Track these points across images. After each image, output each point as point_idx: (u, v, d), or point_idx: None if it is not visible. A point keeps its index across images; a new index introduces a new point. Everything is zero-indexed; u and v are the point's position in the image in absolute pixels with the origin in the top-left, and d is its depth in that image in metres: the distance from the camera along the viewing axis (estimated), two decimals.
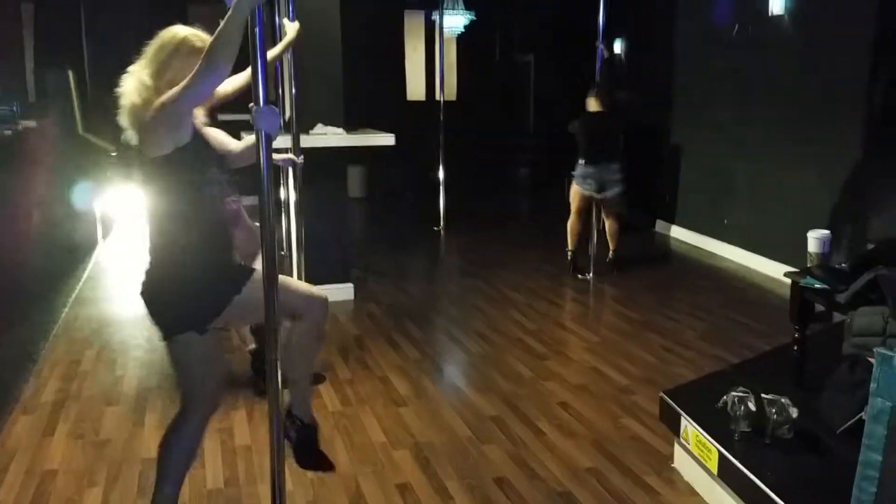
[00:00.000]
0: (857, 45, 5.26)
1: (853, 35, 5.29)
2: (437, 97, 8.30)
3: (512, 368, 4.33)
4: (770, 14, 6.10)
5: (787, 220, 6.05)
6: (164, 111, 2.30)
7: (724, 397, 2.84)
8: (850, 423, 2.74)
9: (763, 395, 2.79)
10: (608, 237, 6.29)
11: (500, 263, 6.65)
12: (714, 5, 6.91)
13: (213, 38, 2.19)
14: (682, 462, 3.19)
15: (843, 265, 3.18)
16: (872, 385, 1.90)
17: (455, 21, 8.75)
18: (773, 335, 4.77)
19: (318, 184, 5.50)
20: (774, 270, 6.13)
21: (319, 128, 5.57)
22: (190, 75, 2.23)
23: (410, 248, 7.62)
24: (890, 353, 1.86)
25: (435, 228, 8.08)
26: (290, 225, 5.78)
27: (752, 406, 2.81)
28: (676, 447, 3.23)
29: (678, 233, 7.61)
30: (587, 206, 6.17)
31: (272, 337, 2.49)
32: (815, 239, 3.21)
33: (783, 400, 2.75)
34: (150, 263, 2.49)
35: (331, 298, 5.76)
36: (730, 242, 6.80)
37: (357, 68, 7.38)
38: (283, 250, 7.07)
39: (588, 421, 3.68)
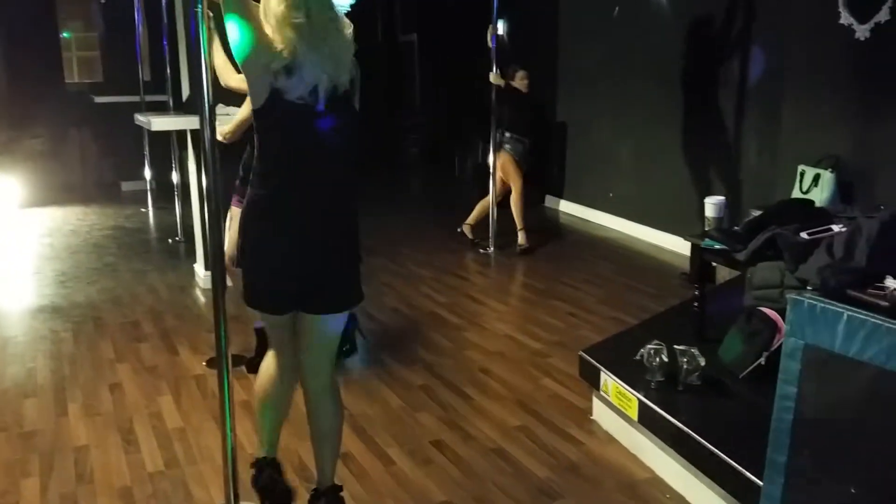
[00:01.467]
0: (732, 25, 5.69)
1: (729, 15, 5.71)
2: None
3: (431, 340, 4.50)
4: None
5: (667, 192, 6.49)
6: None
7: (641, 350, 3.12)
8: (750, 368, 3.07)
9: (675, 347, 3.08)
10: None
11: (403, 242, 6.79)
12: None
13: None
14: (600, 414, 3.46)
15: (736, 227, 3.52)
16: (786, 327, 2.17)
17: (341, 1, 8.75)
18: (662, 296, 5.16)
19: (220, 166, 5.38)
20: (657, 238, 6.59)
21: (221, 108, 5.51)
22: None
23: None
24: (800, 298, 2.14)
25: None
26: (190, 210, 5.67)
27: (665, 357, 3.10)
28: (595, 400, 3.50)
29: (567, 207, 7.97)
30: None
31: (218, 316, 2.55)
32: (711, 204, 3.52)
33: (693, 350, 3.05)
34: None
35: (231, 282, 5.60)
36: (616, 214, 7.21)
37: None
38: (177, 236, 6.95)
39: (510, 384, 3.90)
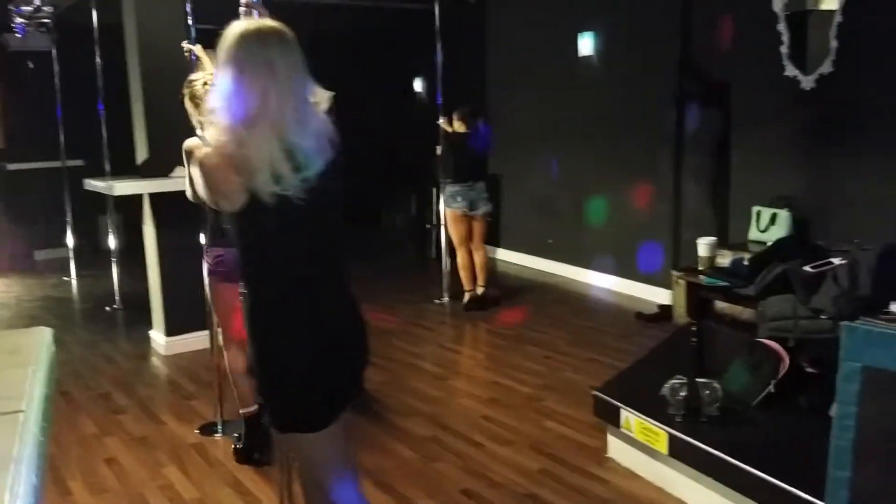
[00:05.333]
0: (657, 80, 6.09)
1: (655, 71, 6.11)
2: None
3: (422, 391, 4.53)
4: (579, 55, 6.85)
5: (606, 237, 6.80)
6: None
7: (665, 385, 3.27)
8: (761, 396, 3.28)
9: (697, 380, 3.25)
10: (477, 270, 6.34)
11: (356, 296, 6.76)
12: (525, 46, 7.58)
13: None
14: (617, 451, 3.59)
15: (726, 265, 3.78)
16: (841, 352, 2.37)
17: None
18: (627, 336, 5.40)
19: (174, 229, 5.14)
20: (600, 280, 6.87)
21: (179, 170, 5.41)
22: None
23: None
24: (854, 325, 2.35)
25: None
26: (132, 277, 5.45)
27: (686, 391, 3.26)
28: (610, 438, 3.62)
29: (504, 255, 8.18)
30: (467, 229, 6.25)
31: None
32: (705, 245, 3.75)
33: (714, 383, 3.24)
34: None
35: (193, 347, 5.40)
36: (556, 259, 7.46)
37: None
38: (114, 304, 6.67)
39: (515, 429, 3.98)
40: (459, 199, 6.19)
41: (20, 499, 1.22)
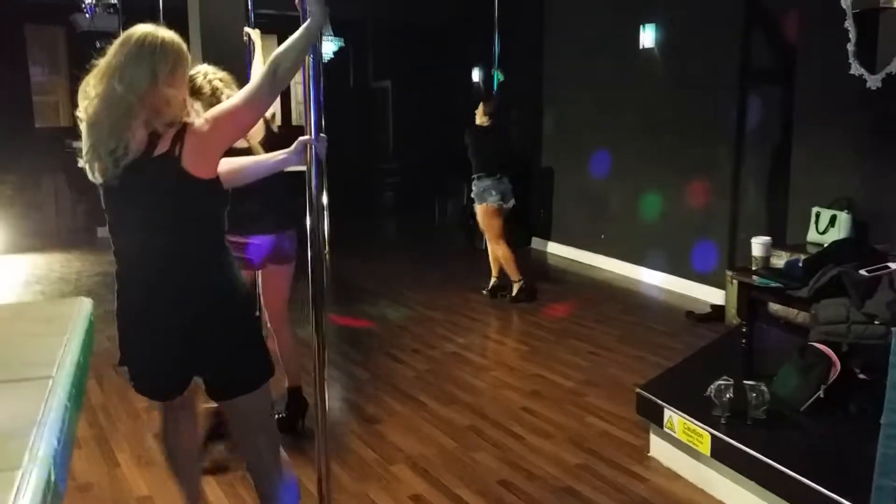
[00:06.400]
0: (718, 76, 5.96)
1: (716, 66, 5.99)
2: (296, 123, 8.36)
3: (464, 381, 4.53)
4: (640, 48, 6.74)
5: (659, 234, 6.70)
6: (223, 124, 2.15)
7: (711, 386, 3.21)
8: (811, 400, 3.20)
9: (745, 382, 3.19)
10: (499, 263, 6.31)
11: (403, 284, 6.82)
12: (584, 37, 7.50)
13: (279, 52, 2.16)
14: (659, 450, 3.53)
15: (780, 265, 3.69)
16: (891, 357, 2.29)
17: (325, 47, 8.87)
18: (677, 335, 5.32)
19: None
20: (651, 277, 6.78)
21: None
22: (250, 90, 2.15)
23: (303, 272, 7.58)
24: None
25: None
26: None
27: (732, 393, 3.20)
28: (653, 437, 3.57)
29: (555, 248, 8.13)
30: (503, 222, 6.22)
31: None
32: (759, 244, 3.67)
33: (761, 386, 3.17)
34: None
35: None
36: (607, 255, 7.38)
37: None
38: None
39: (556, 422, 3.95)
40: (494, 192, 6.13)
41: (39, 460, 1.28)
